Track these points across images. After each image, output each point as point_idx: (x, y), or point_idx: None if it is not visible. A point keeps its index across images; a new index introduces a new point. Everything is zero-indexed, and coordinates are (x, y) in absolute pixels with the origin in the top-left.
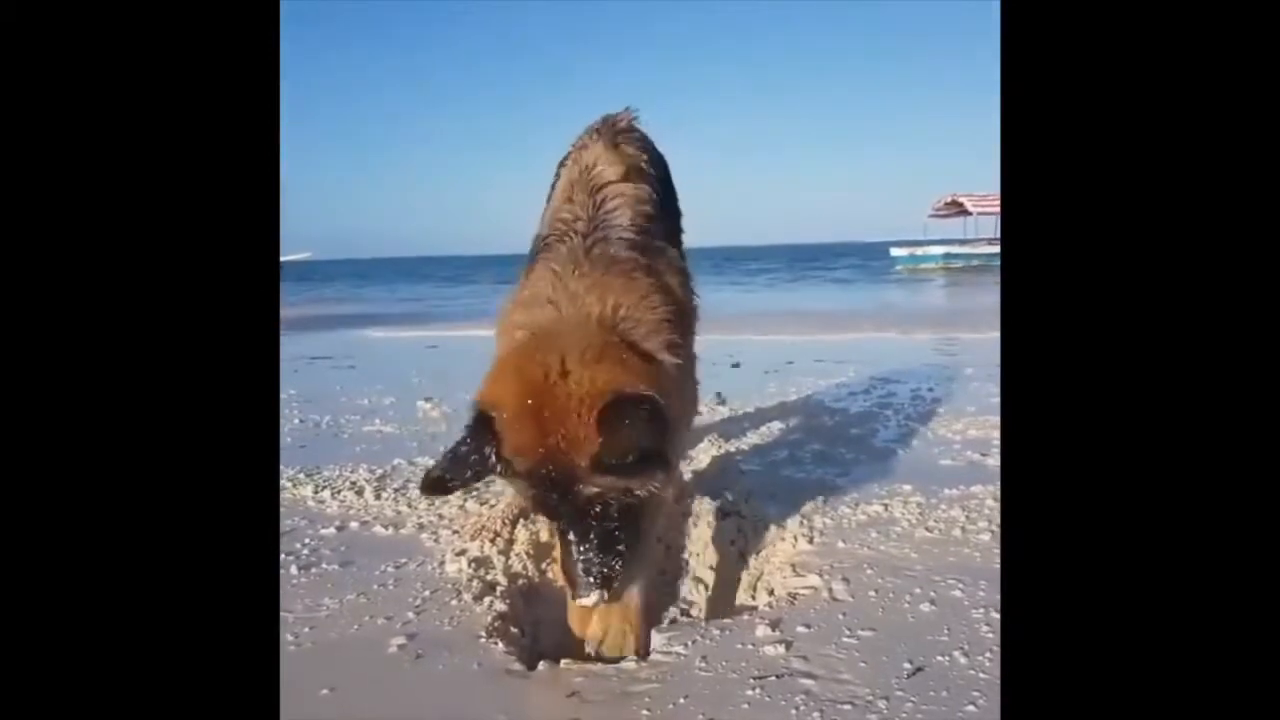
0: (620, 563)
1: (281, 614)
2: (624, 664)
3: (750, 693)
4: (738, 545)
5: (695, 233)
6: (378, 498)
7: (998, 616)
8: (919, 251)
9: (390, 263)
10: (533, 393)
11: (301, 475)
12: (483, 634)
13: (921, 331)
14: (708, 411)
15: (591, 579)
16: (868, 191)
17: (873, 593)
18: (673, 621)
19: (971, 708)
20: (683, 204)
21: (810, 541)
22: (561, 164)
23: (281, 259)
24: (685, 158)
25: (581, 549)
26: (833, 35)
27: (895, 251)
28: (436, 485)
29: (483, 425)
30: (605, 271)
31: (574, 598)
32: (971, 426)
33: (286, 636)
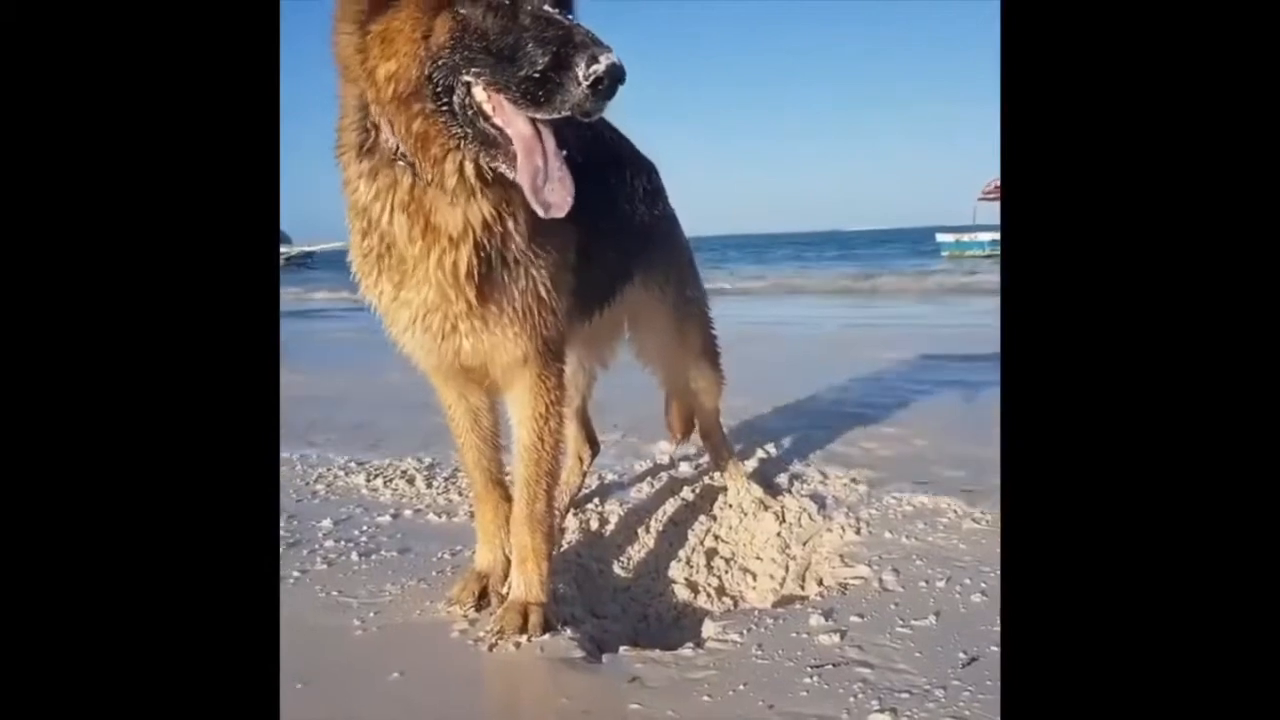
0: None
1: (346, 600)
2: (682, 651)
3: (808, 680)
4: (783, 536)
5: (733, 220)
6: (429, 486)
7: None
8: (966, 238)
9: None
10: None
11: (353, 464)
12: None
13: None
14: (753, 402)
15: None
16: (915, 176)
17: (923, 583)
18: (726, 610)
19: None
20: (737, 188)
21: (857, 532)
22: None
23: (312, 249)
24: (729, 145)
25: (565, 14)
26: (873, 25)
27: (941, 237)
28: None
29: None
30: None
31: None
32: None
33: (353, 621)
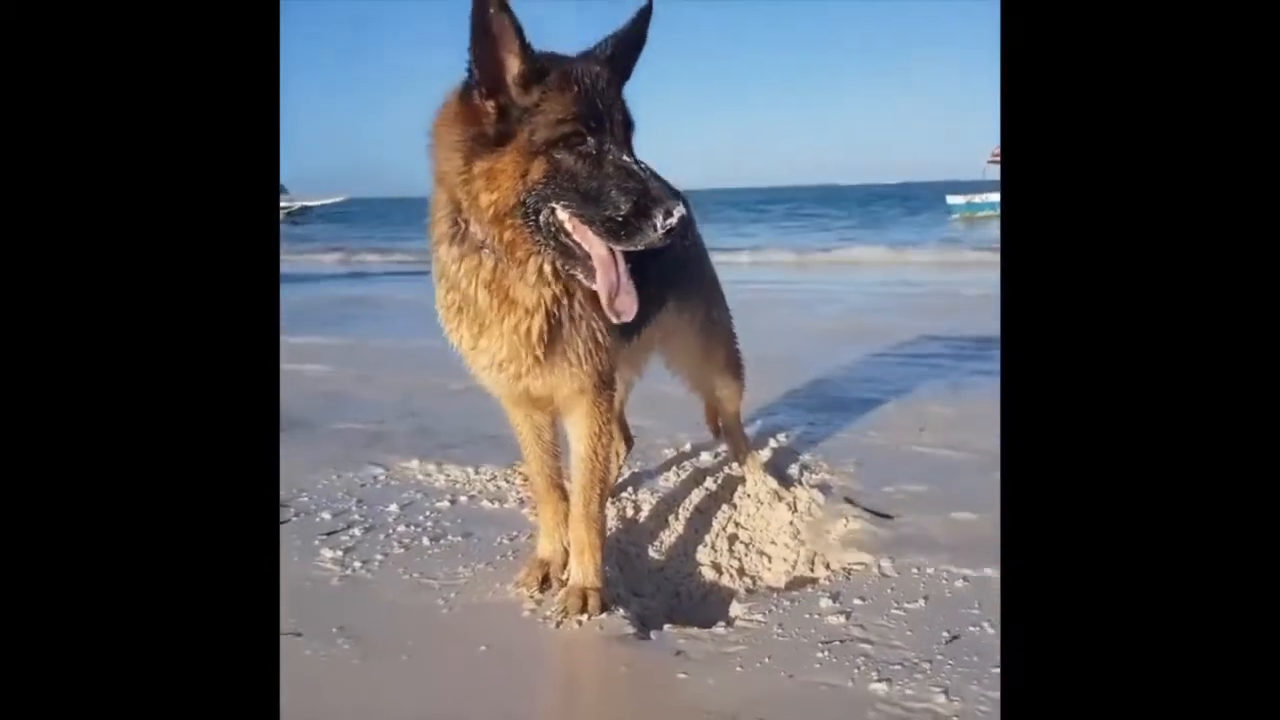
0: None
1: (428, 581)
2: (716, 629)
3: (820, 655)
4: (795, 524)
5: (746, 173)
6: (478, 472)
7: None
8: (977, 199)
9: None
10: None
11: (403, 445)
12: None
13: None
14: (773, 380)
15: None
16: (925, 132)
17: (914, 569)
18: (749, 591)
19: (997, 670)
20: (744, 139)
21: (860, 520)
22: None
23: (314, 203)
24: (739, 96)
25: (640, 165)
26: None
27: (951, 199)
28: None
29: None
30: None
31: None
32: None
33: (438, 601)
